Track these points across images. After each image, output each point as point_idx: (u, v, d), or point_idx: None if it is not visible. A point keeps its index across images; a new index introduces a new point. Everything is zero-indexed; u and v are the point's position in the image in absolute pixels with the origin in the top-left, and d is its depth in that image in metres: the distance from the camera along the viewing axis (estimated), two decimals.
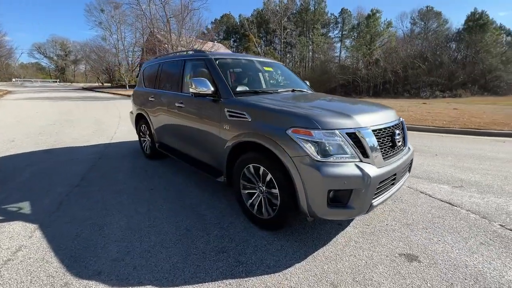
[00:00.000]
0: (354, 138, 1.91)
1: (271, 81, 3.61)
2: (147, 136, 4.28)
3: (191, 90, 2.71)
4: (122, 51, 38.41)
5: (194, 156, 3.22)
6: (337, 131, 1.88)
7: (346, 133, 1.90)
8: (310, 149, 1.85)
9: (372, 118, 2.12)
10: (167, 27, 21.96)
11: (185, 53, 4.64)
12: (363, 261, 1.93)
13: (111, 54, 38.87)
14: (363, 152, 1.91)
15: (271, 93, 2.92)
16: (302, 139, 1.88)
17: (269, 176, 2.12)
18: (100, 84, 47.34)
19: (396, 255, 2.00)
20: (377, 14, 38.45)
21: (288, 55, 47.74)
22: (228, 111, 2.48)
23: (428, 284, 1.71)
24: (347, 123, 1.95)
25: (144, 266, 1.86)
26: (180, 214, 2.60)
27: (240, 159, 2.38)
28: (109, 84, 42.00)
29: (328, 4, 50.36)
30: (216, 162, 2.78)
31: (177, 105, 3.26)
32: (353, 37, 43.91)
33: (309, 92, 3.43)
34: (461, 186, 3.29)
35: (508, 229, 2.35)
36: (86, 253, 1.98)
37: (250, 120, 2.25)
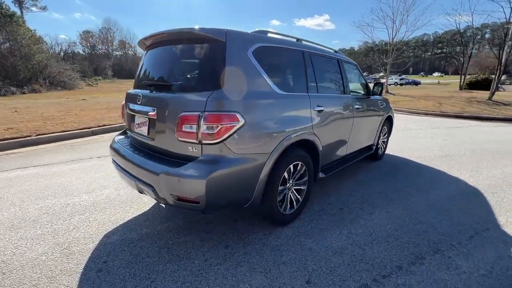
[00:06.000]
0: None
1: None
2: (298, 176, 2.42)
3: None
4: None
5: (354, 150, 3.54)
6: None
7: None
8: None
9: None
10: None
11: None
12: None
13: None
14: None
15: None
16: None
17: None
18: None
19: None
20: None
21: None
22: (380, 103, 4.01)
23: None
24: None
25: None
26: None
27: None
28: None
29: None
30: (370, 141, 3.93)
31: (356, 107, 3.23)
32: None
33: None
34: None
35: None
36: None
37: (385, 105, 4.19)
